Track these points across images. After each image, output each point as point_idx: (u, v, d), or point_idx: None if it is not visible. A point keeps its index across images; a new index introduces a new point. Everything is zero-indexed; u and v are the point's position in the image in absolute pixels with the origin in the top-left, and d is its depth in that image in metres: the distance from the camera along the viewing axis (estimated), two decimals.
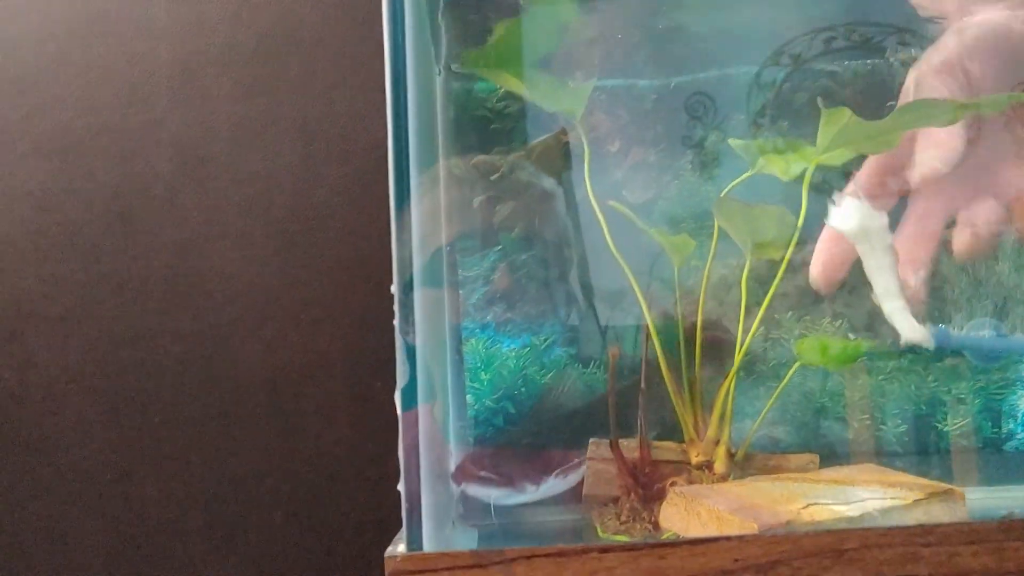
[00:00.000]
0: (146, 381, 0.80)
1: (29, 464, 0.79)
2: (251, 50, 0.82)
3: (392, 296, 0.45)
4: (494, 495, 0.55)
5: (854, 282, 0.62)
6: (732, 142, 0.51)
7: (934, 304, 0.64)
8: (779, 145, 0.47)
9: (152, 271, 0.81)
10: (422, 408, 0.43)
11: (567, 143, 0.64)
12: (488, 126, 0.67)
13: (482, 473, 0.55)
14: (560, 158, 0.64)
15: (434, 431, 0.47)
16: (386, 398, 0.81)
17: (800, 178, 0.50)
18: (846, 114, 0.47)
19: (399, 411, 0.41)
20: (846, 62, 0.64)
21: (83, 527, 0.79)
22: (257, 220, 0.81)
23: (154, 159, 0.82)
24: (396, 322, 0.42)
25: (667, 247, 0.55)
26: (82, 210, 0.81)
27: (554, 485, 0.56)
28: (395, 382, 0.80)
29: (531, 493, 0.55)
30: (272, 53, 0.82)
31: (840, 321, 0.63)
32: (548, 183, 0.66)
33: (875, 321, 0.64)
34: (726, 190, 0.53)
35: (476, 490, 0.55)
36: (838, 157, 0.48)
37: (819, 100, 0.47)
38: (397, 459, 0.79)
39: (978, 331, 0.63)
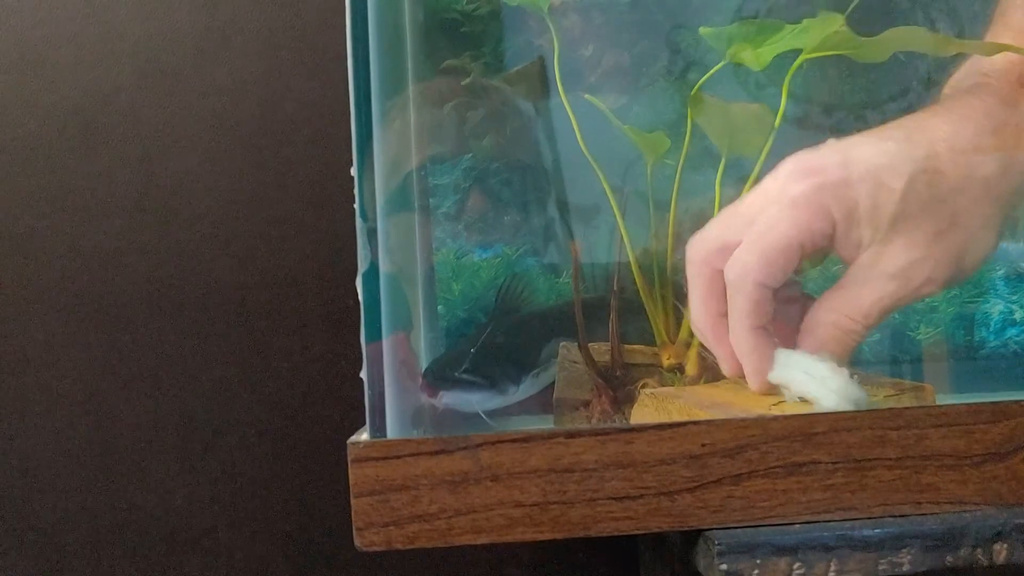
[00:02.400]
0: (113, 299, 0.79)
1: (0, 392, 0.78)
2: None
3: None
4: (475, 400, 0.51)
5: None
6: (703, 30, 0.49)
7: None
8: (752, 30, 0.46)
9: (116, 187, 0.79)
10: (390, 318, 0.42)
11: (544, 69, 0.62)
12: (459, 29, 0.65)
13: (463, 376, 0.51)
14: (539, 84, 0.63)
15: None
16: (360, 315, 0.80)
17: (775, 68, 0.48)
18: (839, 21, 0.45)
19: (360, 298, 0.40)
20: None
21: (53, 449, 0.79)
22: (223, 134, 0.79)
23: (115, 71, 0.79)
24: (356, 206, 0.40)
25: (640, 145, 0.53)
26: (42, 124, 0.79)
27: (531, 384, 0.54)
28: None
29: (511, 394, 0.52)
30: None
31: None
32: (520, 86, 0.64)
33: None
34: (698, 84, 0.51)
35: (455, 397, 0.51)
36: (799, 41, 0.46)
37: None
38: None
39: None
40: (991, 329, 0.66)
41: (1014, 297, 0.66)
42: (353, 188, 0.44)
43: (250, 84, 0.79)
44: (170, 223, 0.79)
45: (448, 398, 0.50)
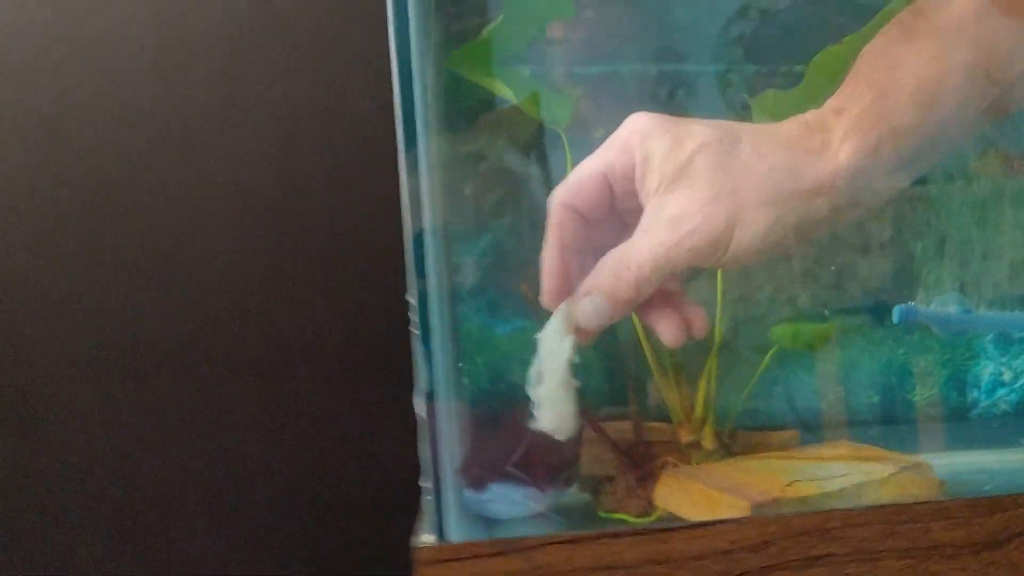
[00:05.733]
0: (141, 364, 0.81)
1: (26, 450, 0.80)
2: (233, 30, 0.81)
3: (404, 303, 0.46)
4: (519, 497, 0.51)
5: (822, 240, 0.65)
6: None
7: (903, 282, 0.68)
8: None
9: (140, 252, 0.81)
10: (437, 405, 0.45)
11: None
12: (479, 115, 0.68)
13: (513, 471, 0.51)
14: (534, 130, 0.65)
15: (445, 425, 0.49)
16: (379, 377, 0.83)
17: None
18: (771, 96, 0.50)
19: (422, 412, 0.43)
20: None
21: (81, 510, 0.80)
22: (244, 203, 0.81)
23: (139, 144, 0.81)
24: (415, 329, 0.43)
25: None
26: (71, 196, 0.80)
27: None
28: (388, 361, 0.81)
29: (553, 496, 0.53)
30: (254, 33, 0.81)
31: (811, 286, 0.66)
32: (533, 168, 0.68)
33: (842, 278, 0.67)
34: None
35: (501, 491, 0.51)
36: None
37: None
38: (391, 436, 0.81)
39: (945, 307, 0.67)
40: (983, 390, 0.70)
41: (1003, 359, 0.70)
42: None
43: (269, 153, 0.81)
44: (194, 289, 0.81)
45: (497, 492, 0.51)
